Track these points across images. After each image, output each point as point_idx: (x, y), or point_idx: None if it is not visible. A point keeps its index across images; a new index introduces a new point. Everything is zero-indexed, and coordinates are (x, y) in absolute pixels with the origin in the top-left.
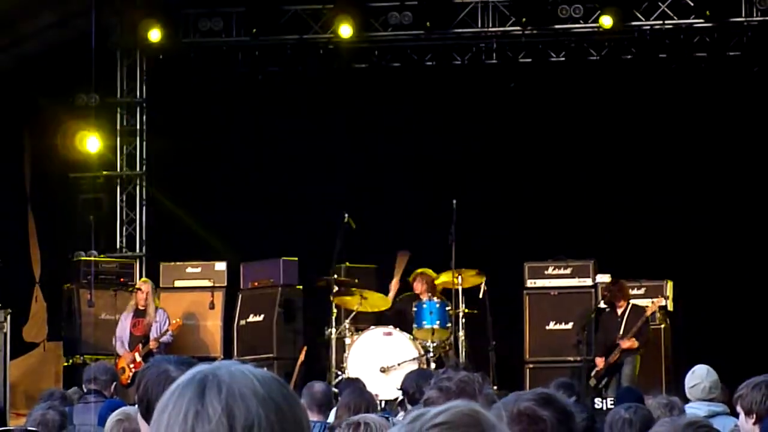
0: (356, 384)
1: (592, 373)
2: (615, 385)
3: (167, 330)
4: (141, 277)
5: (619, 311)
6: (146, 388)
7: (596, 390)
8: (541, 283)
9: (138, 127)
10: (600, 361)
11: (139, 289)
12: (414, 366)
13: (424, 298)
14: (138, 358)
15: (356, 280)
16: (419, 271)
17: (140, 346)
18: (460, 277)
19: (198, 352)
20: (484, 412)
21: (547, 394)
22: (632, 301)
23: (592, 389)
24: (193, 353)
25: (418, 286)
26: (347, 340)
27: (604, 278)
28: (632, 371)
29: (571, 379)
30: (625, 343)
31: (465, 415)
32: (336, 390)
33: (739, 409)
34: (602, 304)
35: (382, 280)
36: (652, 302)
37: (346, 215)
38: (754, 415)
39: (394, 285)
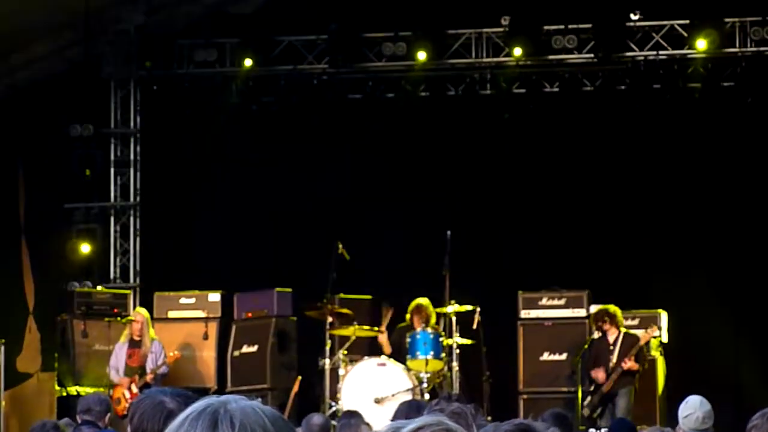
0: (350, 418)
1: (585, 403)
2: (609, 417)
3: (164, 362)
4: (135, 307)
5: (611, 338)
6: (141, 419)
7: (590, 420)
8: (535, 313)
9: (132, 157)
10: (600, 375)
11: (134, 319)
12: (408, 397)
13: (418, 328)
14: (135, 390)
15: (352, 313)
16: (415, 304)
17: (137, 377)
18: (454, 307)
19: (192, 382)
20: (454, 428)
21: (525, 425)
22: (624, 329)
23: (586, 419)
24: (186, 384)
25: (416, 321)
26: (341, 371)
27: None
28: (627, 403)
29: (564, 410)
30: (626, 364)
31: None
32: (335, 423)
33: None
34: (597, 334)
35: (376, 312)
36: (646, 331)
37: (340, 246)
38: None
39: (383, 339)
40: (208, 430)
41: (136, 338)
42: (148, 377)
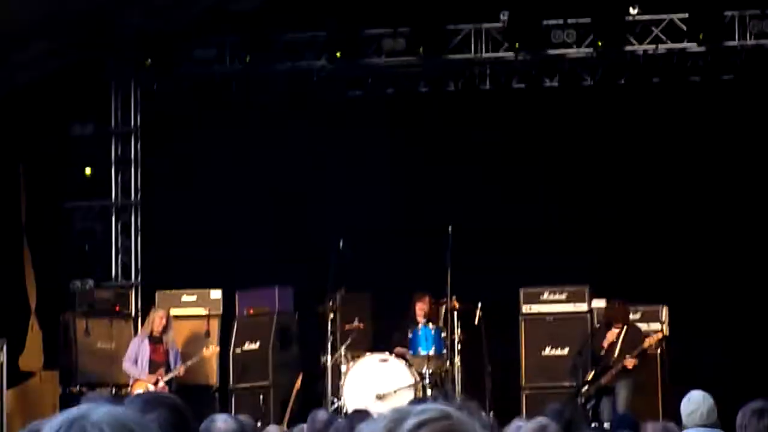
0: (353, 417)
1: (582, 390)
2: (610, 409)
3: (187, 363)
4: (137, 305)
5: (615, 332)
6: None
7: (585, 411)
8: (536, 308)
9: (132, 155)
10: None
11: (157, 316)
12: (410, 392)
13: (421, 323)
14: (162, 384)
15: (356, 319)
16: (419, 297)
17: (162, 371)
18: (456, 302)
19: (194, 380)
20: (458, 422)
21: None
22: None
23: (586, 414)
24: (189, 381)
25: (420, 310)
26: (343, 367)
27: (599, 303)
28: (628, 394)
29: (563, 405)
30: (629, 362)
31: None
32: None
33: None
34: (597, 324)
35: (378, 308)
36: (652, 335)
37: (342, 242)
38: None
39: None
40: None
41: (157, 335)
42: (180, 371)
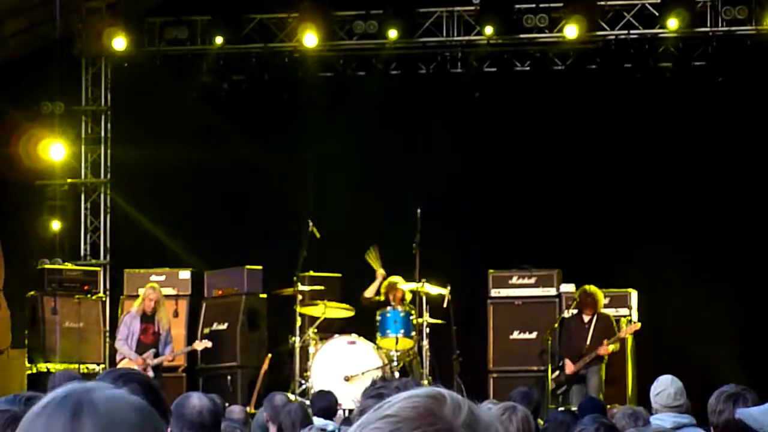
0: (313, 399)
1: (553, 376)
2: (580, 396)
3: (177, 352)
4: (105, 284)
5: (586, 319)
6: None
7: (554, 395)
8: (505, 292)
9: (102, 134)
10: (569, 365)
11: (148, 295)
12: (378, 375)
13: (396, 306)
14: (150, 372)
15: (322, 287)
16: (389, 282)
17: (151, 354)
18: (425, 285)
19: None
20: (441, 402)
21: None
22: (600, 311)
23: (554, 398)
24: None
25: (392, 298)
26: (311, 349)
27: (568, 287)
28: (599, 381)
29: (531, 388)
30: (603, 350)
31: (413, 409)
32: (301, 400)
33: None
34: (568, 313)
35: (347, 289)
36: (630, 325)
37: (311, 224)
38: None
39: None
40: (70, 418)
41: (149, 313)
42: (169, 358)
